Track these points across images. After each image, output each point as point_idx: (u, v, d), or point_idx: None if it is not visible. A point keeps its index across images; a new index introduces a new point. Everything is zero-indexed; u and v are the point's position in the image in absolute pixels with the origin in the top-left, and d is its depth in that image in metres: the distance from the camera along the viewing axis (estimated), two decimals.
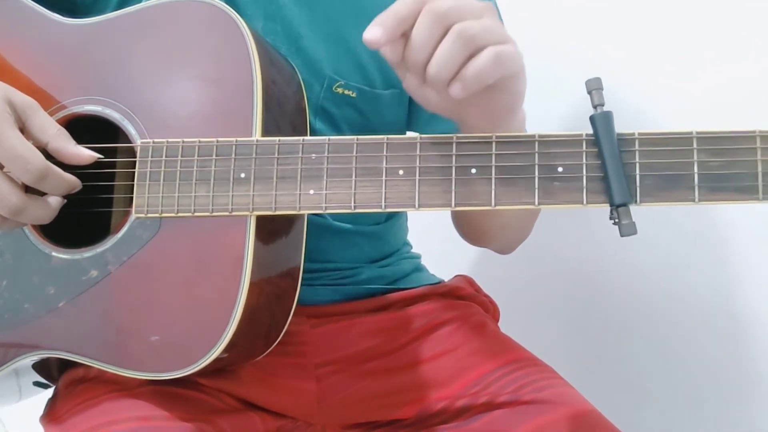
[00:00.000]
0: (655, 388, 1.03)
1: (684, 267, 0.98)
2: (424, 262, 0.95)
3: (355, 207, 0.62)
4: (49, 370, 0.79)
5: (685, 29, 0.97)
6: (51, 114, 0.69)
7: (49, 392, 0.81)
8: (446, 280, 0.92)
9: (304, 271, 0.73)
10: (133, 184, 0.68)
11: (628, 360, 1.06)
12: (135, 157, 0.68)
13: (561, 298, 1.13)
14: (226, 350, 0.65)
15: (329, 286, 0.83)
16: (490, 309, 0.90)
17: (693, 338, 0.99)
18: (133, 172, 0.69)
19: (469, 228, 0.86)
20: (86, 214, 0.72)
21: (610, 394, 0.98)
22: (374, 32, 0.57)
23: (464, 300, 0.88)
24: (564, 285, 1.12)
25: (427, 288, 0.87)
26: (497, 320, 0.90)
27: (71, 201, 0.68)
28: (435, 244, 0.96)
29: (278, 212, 0.64)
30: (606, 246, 1.02)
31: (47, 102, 0.70)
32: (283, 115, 0.70)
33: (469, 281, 0.92)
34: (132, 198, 0.68)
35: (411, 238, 0.96)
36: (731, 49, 0.93)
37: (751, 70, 0.92)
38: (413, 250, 0.96)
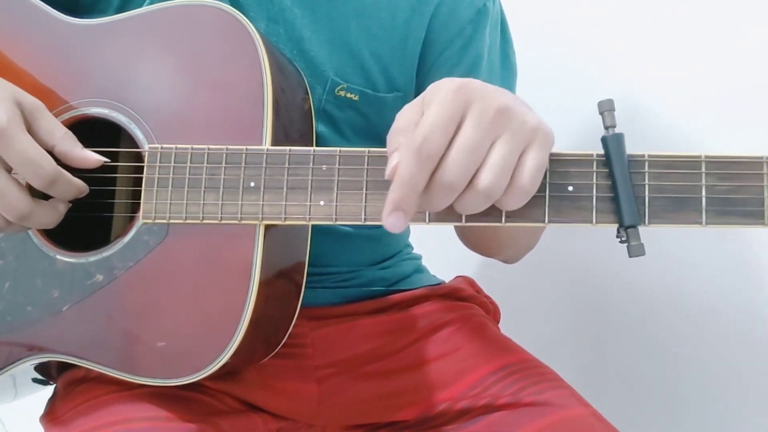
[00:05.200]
0: (655, 391, 1.03)
1: (686, 267, 0.98)
2: (424, 262, 0.95)
3: (365, 219, 0.62)
4: (49, 370, 0.79)
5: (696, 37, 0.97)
6: (56, 116, 0.68)
7: (48, 391, 0.81)
8: (447, 281, 0.93)
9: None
10: (137, 189, 0.68)
11: (629, 362, 1.06)
12: (140, 161, 0.68)
13: (562, 299, 1.13)
14: (231, 357, 0.65)
15: (330, 289, 0.84)
16: (490, 310, 0.90)
17: (694, 339, 0.99)
18: (137, 177, 0.68)
19: (475, 240, 0.86)
20: (85, 218, 0.71)
21: (610, 396, 0.99)
22: (396, 222, 0.54)
23: (465, 301, 0.88)
24: (565, 286, 1.13)
25: (427, 289, 0.88)
26: (498, 321, 0.91)
27: (73, 205, 0.68)
28: (436, 244, 0.96)
29: (288, 222, 0.64)
30: (607, 246, 1.01)
31: (52, 103, 0.69)
32: (291, 122, 0.70)
33: (470, 282, 0.92)
34: (135, 203, 0.68)
35: (412, 238, 0.96)
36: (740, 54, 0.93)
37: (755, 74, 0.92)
38: (414, 251, 0.96)
